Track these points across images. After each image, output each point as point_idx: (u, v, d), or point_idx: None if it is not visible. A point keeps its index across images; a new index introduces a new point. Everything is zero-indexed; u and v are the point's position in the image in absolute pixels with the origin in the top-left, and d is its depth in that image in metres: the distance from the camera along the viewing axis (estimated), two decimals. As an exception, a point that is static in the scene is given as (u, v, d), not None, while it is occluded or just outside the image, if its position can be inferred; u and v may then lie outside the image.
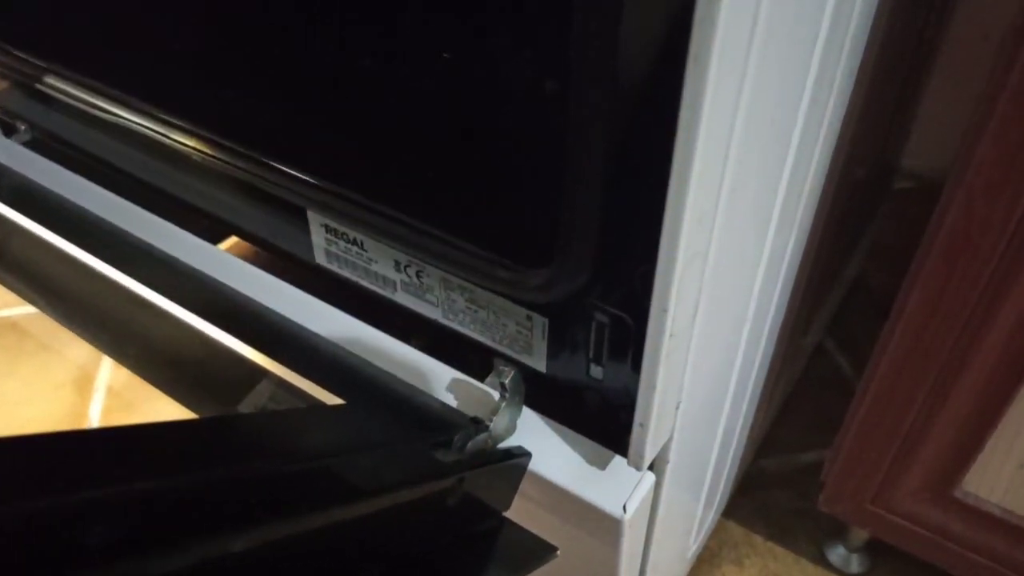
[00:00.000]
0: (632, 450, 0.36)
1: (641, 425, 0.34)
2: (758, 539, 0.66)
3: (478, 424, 0.37)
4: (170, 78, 0.52)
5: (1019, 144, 0.34)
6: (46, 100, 0.60)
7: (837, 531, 0.63)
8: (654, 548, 0.46)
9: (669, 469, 0.40)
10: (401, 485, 0.30)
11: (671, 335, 0.31)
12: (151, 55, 0.54)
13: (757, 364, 0.50)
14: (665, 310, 0.30)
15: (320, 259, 0.48)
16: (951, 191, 0.38)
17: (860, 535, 0.61)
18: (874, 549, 0.62)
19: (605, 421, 0.39)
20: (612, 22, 0.26)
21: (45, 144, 0.65)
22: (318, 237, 0.48)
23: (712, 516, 0.63)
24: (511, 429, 0.40)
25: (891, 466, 0.49)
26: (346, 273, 0.47)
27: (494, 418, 0.38)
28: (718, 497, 0.61)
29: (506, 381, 0.38)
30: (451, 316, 0.44)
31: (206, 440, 0.28)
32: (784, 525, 0.67)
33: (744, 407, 0.52)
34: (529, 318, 0.40)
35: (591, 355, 0.38)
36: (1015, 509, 0.47)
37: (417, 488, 0.30)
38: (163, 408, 0.78)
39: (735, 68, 0.25)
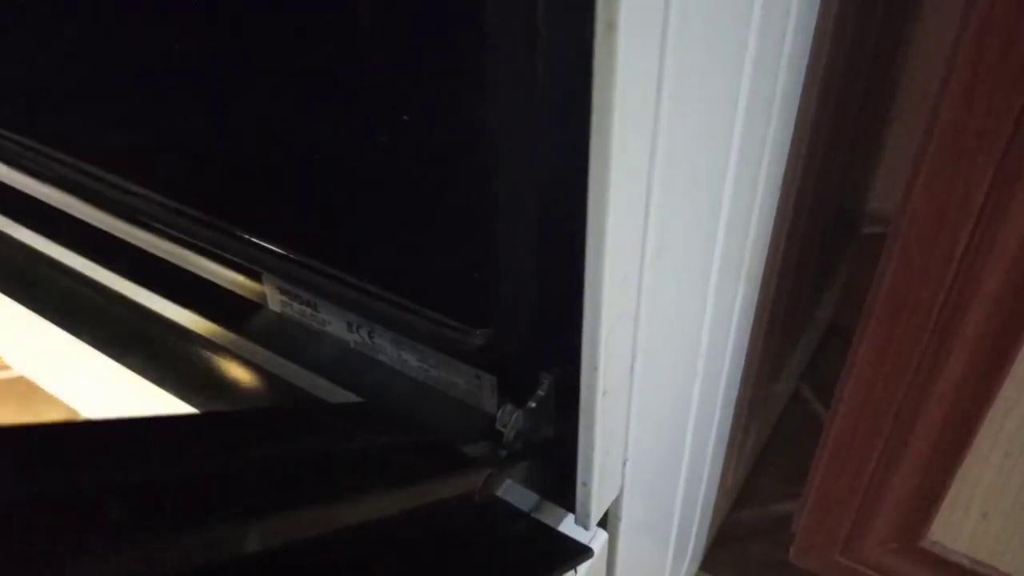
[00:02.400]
0: (578, 508, 0.35)
1: (584, 484, 0.34)
2: (735, 593, 0.64)
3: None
4: (119, 141, 0.53)
5: (947, 194, 0.35)
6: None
7: (815, 583, 0.62)
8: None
9: (623, 526, 0.39)
10: (430, 477, 0.30)
11: (604, 392, 0.31)
12: (97, 116, 0.55)
13: (718, 415, 0.49)
14: (595, 368, 0.30)
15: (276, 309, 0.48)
16: (891, 243, 0.38)
17: (836, 587, 0.60)
18: (852, 601, 0.61)
19: (555, 478, 0.38)
20: (524, 98, 0.26)
21: None
22: (273, 298, 0.48)
23: (687, 567, 0.62)
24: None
25: (856, 518, 0.49)
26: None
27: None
28: (690, 550, 0.60)
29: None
30: (406, 374, 0.44)
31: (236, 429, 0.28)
32: (762, 577, 0.66)
33: (708, 459, 0.52)
34: (478, 376, 0.40)
35: (538, 413, 0.37)
36: (981, 558, 0.46)
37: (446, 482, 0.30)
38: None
39: (641, 135, 0.25)
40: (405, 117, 0.36)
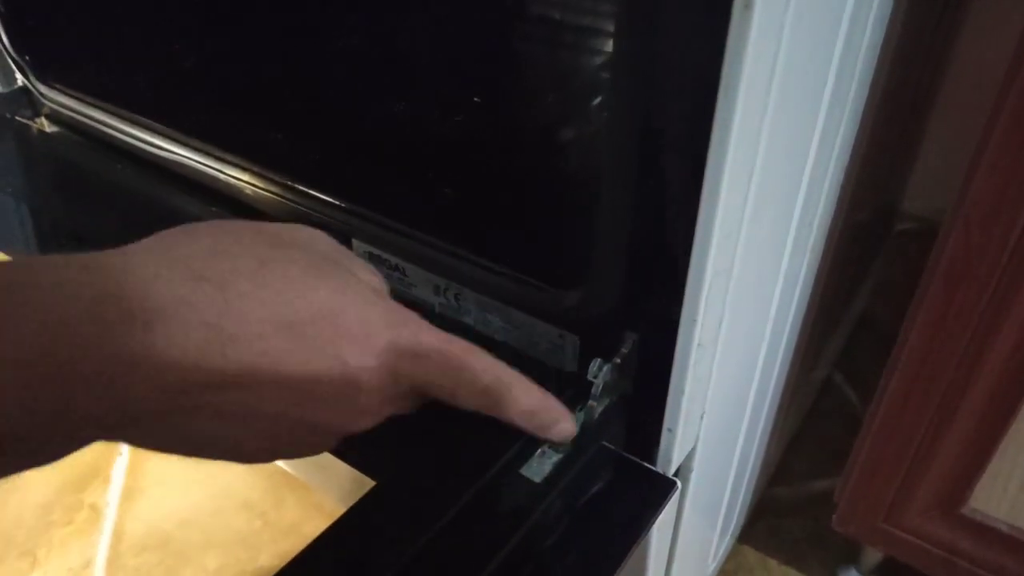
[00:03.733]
0: (660, 454, 0.38)
1: (670, 430, 0.37)
2: (773, 563, 0.67)
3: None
4: (223, 118, 0.57)
5: (1010, 176, 0.38)
6: (91, 138, 0.64)
7: (850, 555, 0.65)
8: (676, 563, 0.48)
9: (693, 478, 0.43)
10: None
11: (699, 344, 0.34)
12: (205, 97, 0.59)
13: (772, 387, 0.52)
14: (694, 321, 0.33)
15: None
16: (950, 222, 0.41)
17: (872, 558, 0.63)
18: (886, 572, 0.64)
19: (634, 430, 0.41)
20: (647, 62, 0.29)
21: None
22: (361, 264, 0.51)
23: (728, 540, 0.65)
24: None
25: (901, 485, 0.52)
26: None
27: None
28: (734, 520, 0.63)
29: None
30: (487, 335, 0.47)
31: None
32: (797, 550, 0.69)
33: (760, 427, 0.55)
34: (561, 336, 0.43)
35: (621, 369, 0.41)
36: (1021, 525, 0.49)
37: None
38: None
39: (758, 101, 0.28)
40: (505, 84, 0.40)
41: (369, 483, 0.39)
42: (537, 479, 0.35)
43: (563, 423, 0.35)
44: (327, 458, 0.66)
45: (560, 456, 0.37)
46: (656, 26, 0.28)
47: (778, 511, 0.72)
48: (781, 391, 0.57)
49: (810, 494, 0.74)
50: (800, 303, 0.49)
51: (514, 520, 0.34)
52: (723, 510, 0.55)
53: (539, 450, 0.37)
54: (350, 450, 0.39)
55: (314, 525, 0.71)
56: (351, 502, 0.36)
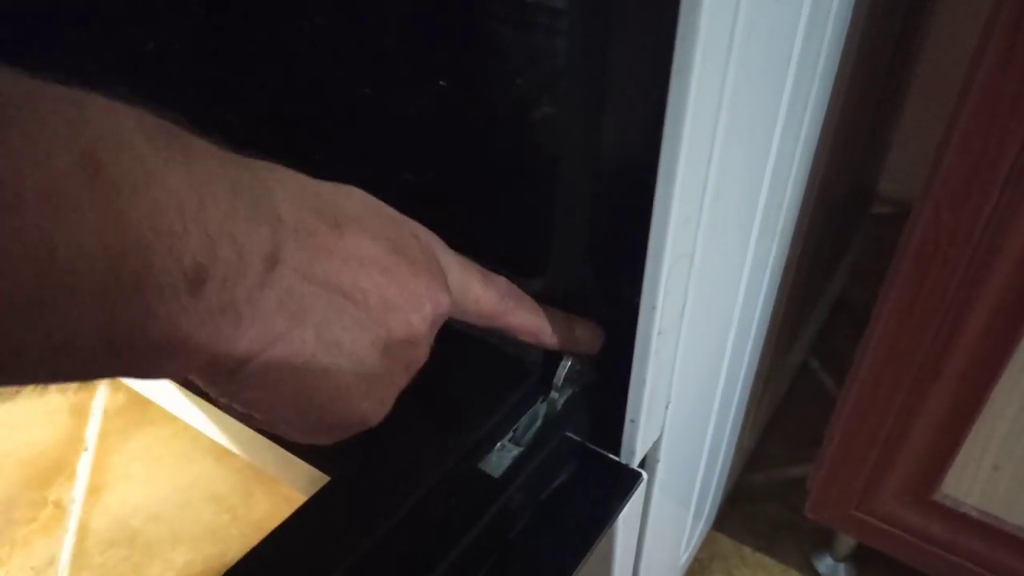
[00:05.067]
0: (624, 445, 0.37)
1: (632, 421, 0.36)
2: (747, 550, 0.67)
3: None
4: (180, 98, 0.55)
5: (980, 157, 0.37)
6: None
7: (824, 541, 0.65)
8: (645, 552, 0.47)
9: (660, 468, 0.42)
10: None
11: (659, 332, 0.33)
12: (179, 82, 0.57)
13: (743, 373, 0.52)
14: (654, 307, 0.32)
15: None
16: (920, 203, 0.41)
17: (846, 544, 0.63)
18: (860, 558, 0.64)
19: (598, 421, 0.40)
20: (599, 45, 0.28)
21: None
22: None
23: (702, 527, 0.65)
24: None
25: (873, 471, 0.51)
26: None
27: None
28: (707, 507, 0.62)
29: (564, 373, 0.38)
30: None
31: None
32: (772, 537, 0.68)
33: (732, 414, 0.54)
34: (525, 325, 0.42)
35: (584, 359, 0.40)
36: (991, 511, 0.49)
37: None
38: (158, 432, 0.79)
39: (714, 82, 0.27)
40: (466, 69, 0.38)
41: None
42: (496, 474, 0.34)
43: (593, 341, 0.36)
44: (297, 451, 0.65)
45: (520, 450, 0.35)
46: (609, 6, 0.27)
47: (753, 497, 0.72)
48: (753, 377, 0.57)
49: (785, 480, 0.74)
50: (770, 287, 0.48)
51: (472, 514, 0.33)
52: (695, 498, 0.54)
53: (498, 444, 0.36)
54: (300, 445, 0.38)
55: (283, 519, 0.70)
56: None
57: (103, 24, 0.60)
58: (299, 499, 0.70)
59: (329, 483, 0.36)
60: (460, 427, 0.36)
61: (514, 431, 0.37)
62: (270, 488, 0.73)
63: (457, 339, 0.43)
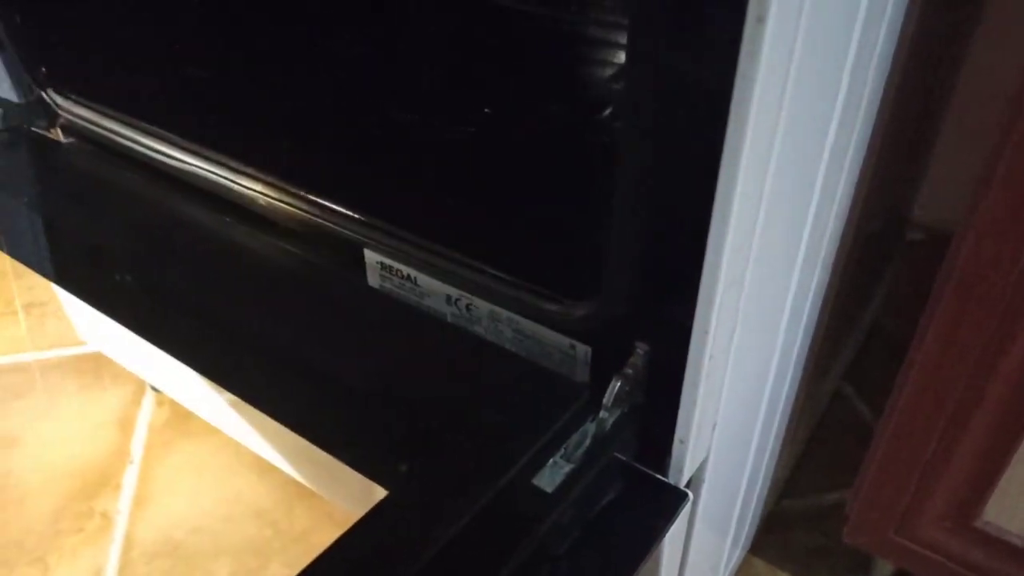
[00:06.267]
0: (672, 465, 0.38)
1: (681, 441, 0.37)
2: (783, 575, 0.67)
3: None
4: (236, 128, 0.57)
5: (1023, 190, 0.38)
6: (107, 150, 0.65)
7: (860, 568, 0.65)
8: (687, 575, 0.48)
9: (705, 489, 0.42)
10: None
11: (711, 356, 0.34)
12: (218, 108, 0.59)
13: (783, 397, 0.52)
14: (706, 332, 0.33)
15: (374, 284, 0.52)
16: (962, 234, 0.41)
17: (883, 571, 0.63)
18: (897, 586, 0.64)
19: (645, 441, 0.41)
20: (658, 74, 0.30)
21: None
22: (373, 274, 0.51)
23: (738, 552, 0.65)
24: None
25: (913, 496, 0.51)
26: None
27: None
28: (745, 532, 0.63)
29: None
30: (498, 344, 0.47)
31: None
32: (808, 563, 0.68)
33: (771, 438, 0.55)
34: (573, 347, 0.43)
35: (633, 380, 0.41)
36: (1034, 538, 0.49)
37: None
38: (201, 445, 0.81)
39: (770, 115, 0.28)
40: (518, 95, 0.40)
41: (380, 493, 0.39)
42: (549, 489, 0.35)
43: None
44: (339, 467, 0.66)
45: (573, 467, 0.37)
46: (668, 39, 0.28)
47: (788, 523, 0.72)
48: (792, 402, 0.57)
49: (821, 506, 0.74)
50: (811, 314, 0.49)
51: (526, 529, 0.34)
52: (734, 521, 0.55)
53: (551, 460, 0.37)
54: (362, 459, 0.40)
55: (324, 534, 0.71)
56: (362, 511, 0.37)
57: (161, 60, 0.62)
58: (340, 514, 0.72)
59: (385, 498, 0.37)
60: (513, 442, 0.37)
61: (564, 448, 0.38)
62: (311, 503, 0.75)
63: (504, 357, 0.45)
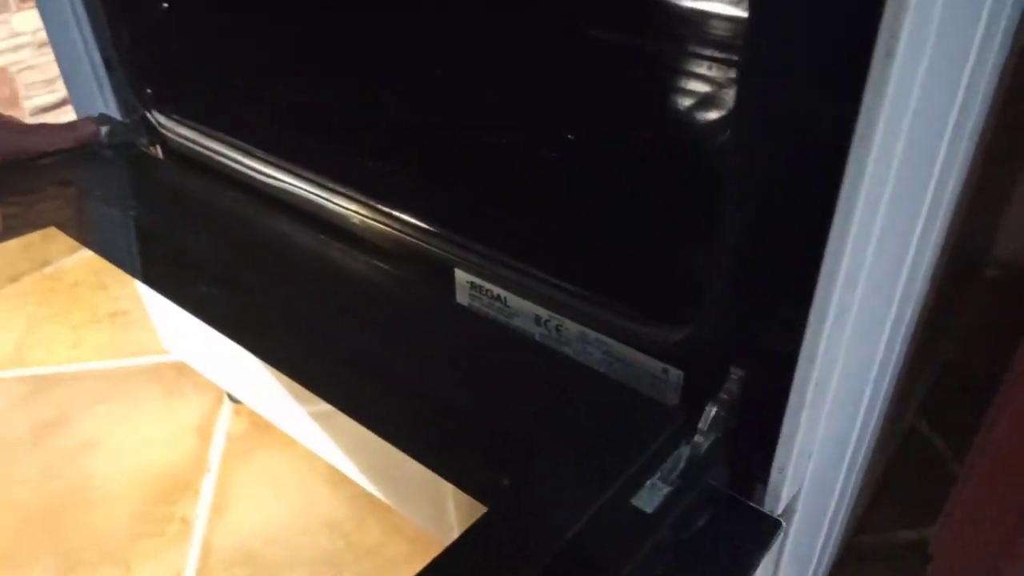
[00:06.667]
0: (769, 494, 0.38)
1: (780, 469, 0.37)
2: (859, 613, 0.66)
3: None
4: (330, 148, 0.59)
5: None
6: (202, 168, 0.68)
7: (941, 610, 0.63)
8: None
9: (796, 520, 0.42)
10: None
11: (816, 383, 0.34)
12: (313, 129, 0.61)
13: (871, 430, 0.52)
14: (813, 360, 0.33)
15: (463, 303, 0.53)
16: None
17: (966, 614, 0.61)
18: (980, 630, 0.62)
19: (738, 469, 0.42)
20: (774, 102, 0.30)
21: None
22: (462, 293, 0.52)
23: (813, 587, 0.64)
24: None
25: (1006, 538, 0.50)
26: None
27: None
28: (824, 567, 0.62)
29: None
30: (585, 372, 0.48)
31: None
32: (884, 601, 0.67)
33: (855, 473, 0.54)
34: (665, 371, 0.44)
35: (727, 405, 0.41)
36: None
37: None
38: (277, 456, 0.83)
39: (891, 146, 0.29)
40: (619, 115, 0.41)
41: (452, 508, 0.39)
42: (648, 510, 0.36)
43: None
44: (410, 481, 0.68)
45: (671, 488, 0.37)
46: (786, 66, 0.29)
47: (863, 559, 0.71)
48: (877, 436, 0.57)
49: (896, 543, 0.72)
50: (901, 347, 0.49)
51: (627, 550, 0.34)
52: (816, 554, 0.54)
53: (649, 482, 0.37)
54: (461, 475, 0.41)
55: (395, 547, 0.72)
56: (432, 525, 0.37)
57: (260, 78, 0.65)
58: (410, 528, 0.73)
59: (486, 514, 0.38)
60: (611, 460, 0.38)
61: (660, 471, 0.39)
62: (382, 516, 0.76)
63: (596, 378, 0.45)
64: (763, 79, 0.30)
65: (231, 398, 0.90)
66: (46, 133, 0.62)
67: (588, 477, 0.37)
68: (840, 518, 0.57)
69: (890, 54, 0.26)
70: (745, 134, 0.32)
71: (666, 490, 0.37)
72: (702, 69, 0.42)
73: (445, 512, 0.66)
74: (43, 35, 1.02)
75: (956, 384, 0.91)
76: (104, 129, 0.65)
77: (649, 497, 0.37)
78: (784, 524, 0.40)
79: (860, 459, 0.53)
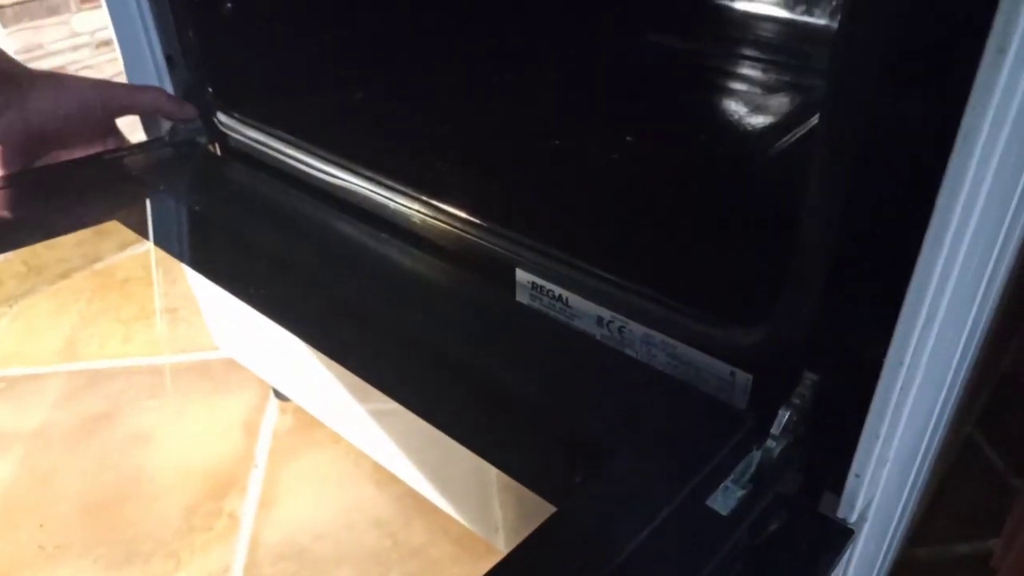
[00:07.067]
0: (844, 500, 0.38)
1: (857, 475, 0.37)
2: (916, 627, 0.65)
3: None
4: (392, 149, 0.60)
5: None
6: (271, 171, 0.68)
7: (1001, 626, 0.62)
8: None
9: (866, 528, 0.41)
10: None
11: (901, 388, 0.33)
12: (374, 130, 0.62)
13: (938, 439, 0.51)
14: (901, 364, 0.32)
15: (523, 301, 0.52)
16: None
17: (1029, 631, 0.60)
18: (1043, 649, 0.60)
19: (809, 474, 0.41)
20: (861, 104, 0.30)
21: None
22: (523, 292, 0.52)
23: (869, 599, 0.63)
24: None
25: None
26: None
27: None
28: (880, 577, 0.60)
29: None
30: (649, 372, 0.47)
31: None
32: (942, 615, 0.66)
33: (921, 480, 0.53)
34: (732, 374, 0.43)
35: (799, 409, 0.40)
36: None
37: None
38: (323, 453, 0.84)
39: (994, 145, 0.28)
40: (703, 121, 0.41)
41: (497, 508, 0.39)
42: (724, 512, 0.35)
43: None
44: (456, 481, 0.67)
45: (745, 492, 0.36)
46: (880, 63, 0.28)
47: (918, 572, 0.69)
48: (939, 445, 0.56)
49: (952, 556, 0.71)
50: (974, 354, 0.48)
51: (704, 553, 0.34)
52: (878, 564, 0.53)
53: (723, 484, 0.37)
54: (530, 475, 0.40)
55: (440, 548, 0.72)
56: (477, 526, 0.37)
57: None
58: (456, 528, 0.73)
59: (556, 513, 0.38)
60: (682, 461, 0.37)
61: (733, 474, 0.38)
62: (428, 516, 0.76)
63: (663, 380, 0.45)
64: (856, 76, 0.30)
65: (277, 395, 0.91)
66: (152, 97, 0.64)
67: (660, 477, 0.37)
68: (902, 527, 0.56)
69: (1002, 49, 0.25)
70: (835, 133, 0.31)
71: (740, 493, 0.36)
72: (770, 71, 0.42)
73: (491, 512, 0.66)
74: (101, 35, 1.04)
75: (1013, 397, 0.89)
76: (167, 126, 0.66)
77: (724, 500, 0.36)
78: (855, 531, 0.40)
79: (925, 468, 0.52)
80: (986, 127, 0.26)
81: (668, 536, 0.34)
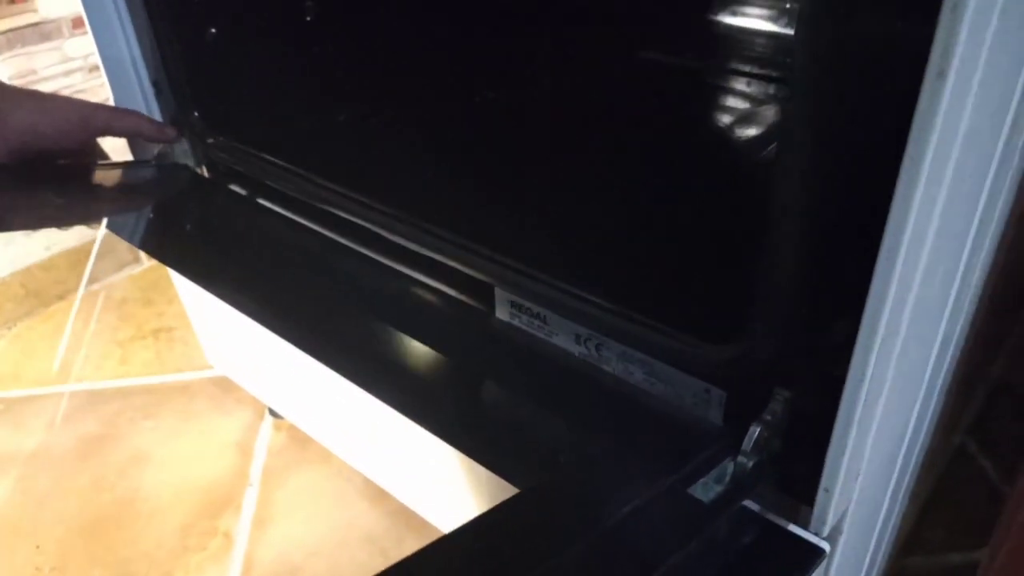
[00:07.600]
0: (815, 515, 0.38)
1: (826, 490, 0.37)
2: (907, 638, 0.64)
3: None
4: (372, 168, 0.60)
5: None
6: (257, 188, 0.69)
7: (992, 635, 0.62)
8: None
9: (841, 542, 0.42)
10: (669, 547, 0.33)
11: (865, 403, 0.34)
12: (357, 150, 0.62)
13: (917, 451, 0.51)
14: (862, 380, 0.33)
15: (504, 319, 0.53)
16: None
17: (1019, 640, 0.60)
18: (1034, 658, 0.60)
19: (781, 490, 0.41)
20: (822, 119, 0.30)
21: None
22: (503, 310, 0.53)
23: (859, 610, 0.63)
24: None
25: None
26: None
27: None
28: (867, 589, 0.60)
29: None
30: (626, 387, 0.48)
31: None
32: (933, 626, 0.65)
33: (902, 493, 0.53)
34: (708, 391, 0.44)
35: (772, 425, 0.41)
36: None
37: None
38: (316, 471, 0.84)
39: (942, 164, 0.29)
40: (672, 133, 0.41)
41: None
42: (705, 500, 0.36)
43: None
44: (447, 496, 0.68)
45: (722, 488, 0.37)
46: (835, 83, 0.29)
47: (910, 582, 0.69)
48: (924, 455, 0.56)
49: (944, 566, 0.71)
50: (949, 365, 0.48)
51: (690, 529, 0.34)
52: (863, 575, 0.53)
53: (701, 481, 0.37)
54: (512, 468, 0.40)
55: (433, 565, 0.72)
56: None
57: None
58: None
59: (536, 485, 0.37)
60: (659, 467, 0.37)
61: (707, 477, 0.38)
62: (420, 532, 0.76)
63: (639, 396, 0.45)
64: (813, 97, 0.30)
65: (272, 413, 0.91)
66: (133, 121, 0.64)
67: (643, 472, 0.37)
68: (887, 538, 0.56)
69: (942, 75, 0.25)
70: (793, 154, 0.32)
71: (719, 488, 0.37)
72: (743, 87, 0.42)
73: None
74: (94, 60, 1.05)
75: (1006, 404, 0.89)
76: (155, 149, 0.67)
77: (704, 492, 0.36)
78: (829, 547, 0.40)
79: (907, 478, 0.52)
80: (932, 144, 0.27)
81: (655, 511, 0.34)
